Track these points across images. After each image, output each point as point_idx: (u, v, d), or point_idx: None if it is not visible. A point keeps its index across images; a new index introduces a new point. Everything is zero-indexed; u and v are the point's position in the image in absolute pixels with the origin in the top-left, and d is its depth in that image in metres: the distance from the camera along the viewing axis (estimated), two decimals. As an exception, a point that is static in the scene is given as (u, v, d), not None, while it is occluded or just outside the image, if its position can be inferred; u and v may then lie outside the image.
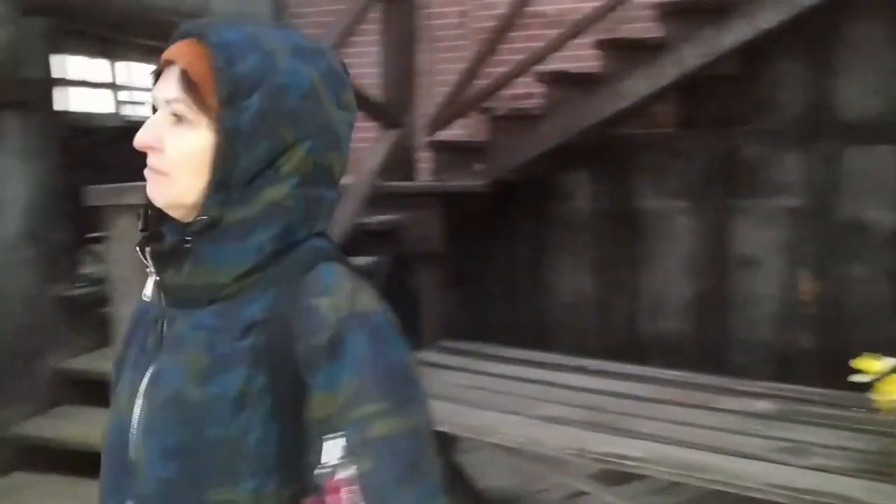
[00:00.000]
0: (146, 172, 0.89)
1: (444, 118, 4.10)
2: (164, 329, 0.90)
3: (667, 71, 3.53)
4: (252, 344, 0.84)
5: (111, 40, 3.78)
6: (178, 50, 0.88)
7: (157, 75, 0.89)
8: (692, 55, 3.48)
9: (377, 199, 3.71)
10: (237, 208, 0.85)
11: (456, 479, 3.15)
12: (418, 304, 3.89)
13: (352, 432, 0.81)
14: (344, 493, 0.80)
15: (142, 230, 0.92)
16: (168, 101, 0.86)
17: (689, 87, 3.84)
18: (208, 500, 0.82)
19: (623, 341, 4.19)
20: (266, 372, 0.83)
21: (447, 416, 2.54)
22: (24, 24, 3.13)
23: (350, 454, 0.81)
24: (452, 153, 4.06)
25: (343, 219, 3.43)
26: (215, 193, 0.85)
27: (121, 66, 3.97)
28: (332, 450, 0.81)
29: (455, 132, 4.22)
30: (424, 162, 4.25)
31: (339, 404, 0.82)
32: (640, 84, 3.59)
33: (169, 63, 0.88)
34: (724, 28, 3.39)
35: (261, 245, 0.86)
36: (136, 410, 0.89)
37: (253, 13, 4.83)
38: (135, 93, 4.14)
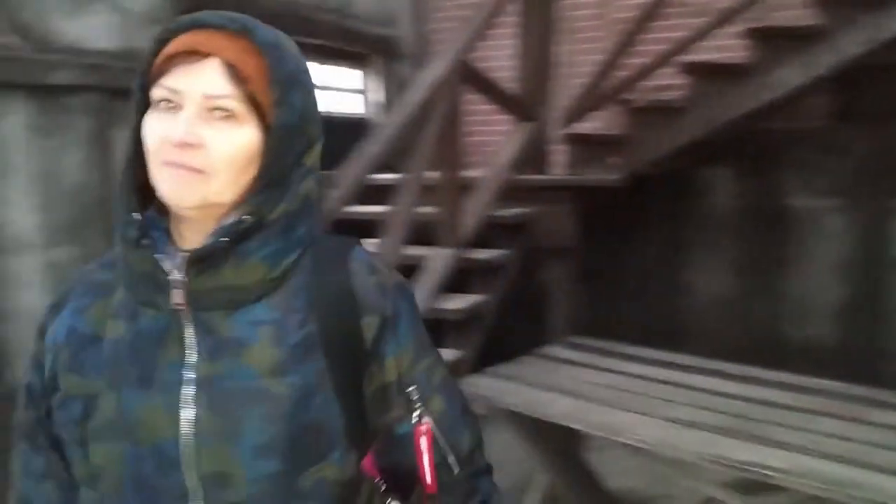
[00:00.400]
0: (171, 170, 0.83)
1: (579, 110, 4.04)
2: (194, 336, 0.87)
3: (821, 60, 3.32)
4: (311, 330, 0.89)
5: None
6: (218, 43, 0.84)
7: (165, 64, 0.84)
8: (851, 43, 3.25)
9: (509, 192, 3.71)
10: (280, 204, 0.87)
11: (584, 476, 3.11)
12: (547, 298, 3.87)
13: (420, 384, 0.97)
14: (428, 434, 0.95)
15: (141, 238, 0.87)
16: (212, 96, 0.83)
17: (845, 78, 3.59)
18: (304, 483, 0.87)
19: (763, 346, 3.98)
20: (324, 354, 0.89)
21: (575, 412, 2.51)
22: (185, 22, 3.34)
23: (421, 401, 0.96)
24: (587, 146, 4.00)
25: (474, 211, 3.46)
26: (262, 190, 0.86)
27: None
28: (409, 402, 0.96)
29: (590, 125, 4.14)
30: (558, 155, 4.20)
31: (406, 364, 0.96)
32: (791, 74, 3.39)
33: (200, 55, 0.83)
34: (887, 14, 3.14)
35: (301, 237, 0.91)
36: (184, 428, 0.85)
37: (394, 8, 4.94)
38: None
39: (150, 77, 0.86)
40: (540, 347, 3.24)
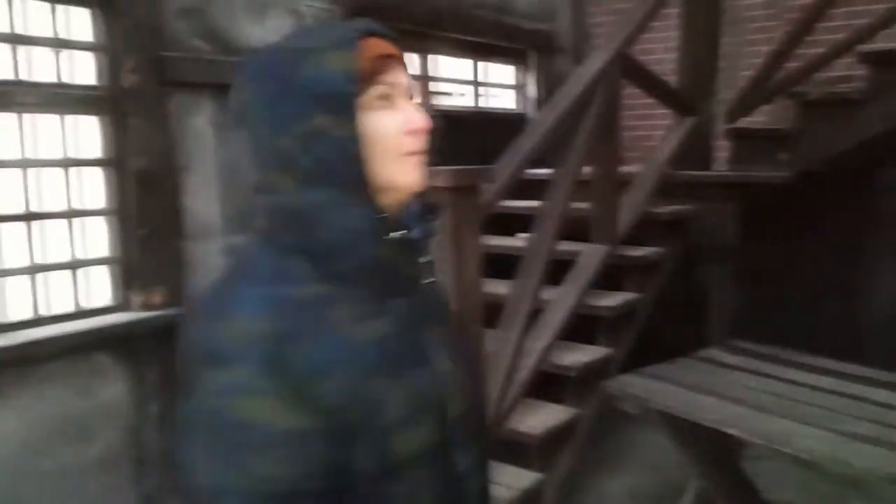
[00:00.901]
0: (415, 158, 0.91)
1: (746, 104, 3.84)
2: (419, 318, 0.94)
3: None
4: None
5: (421, 35, 4.09)
6: (393, 48, 0.92)
7: (372, 66, 0.88)
8: None
9: (668, 189, 3.60)
10: None
11: (740, 485, 2.97)
12: (704, 299, 3.73)
13: None
14: None
15: (387, 226, 0.89)
16: (411, 90, 0.92)
17: None
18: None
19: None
20: None
21: (734, 418, 2.40)
22: (353, 23, 3.51)
23: None
24: (753, 142, 3.80)
25: (630, 207, 3.40)
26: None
27: (431, 60, 4.28)
28: None
29: (756, 119, 3.94)
30: (721, 151, 4.03)
31: None
32: None
33: (395, 56, 0.91)
34: None
35: None
36: (456, 389, 0.96)
37: (553, 2, 4.93)
38: (442, 85, 4.46)
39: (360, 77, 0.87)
40: (697, 349, 3.13)
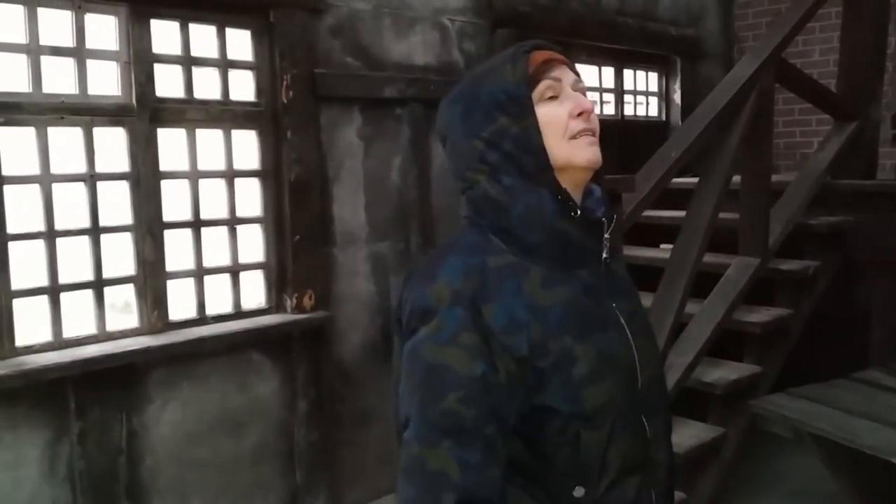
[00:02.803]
0: (587, 137, 1.07)
1: (915, 108, 3.56)
2: (603, 289, 1.10)
3: None
4: None
5: (563, 44, 4.07)
6: (555, 54, 1.11)
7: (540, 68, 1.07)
8: None
9: (826, 198, 3.40)
10: None
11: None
12: (867, 317, 3.47)
13: None
14: None
15: (568, 206, 1.06)
16: (577, 81, 1.10)
17: None
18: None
19: None
20: None
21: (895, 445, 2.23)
22: (494, 35, 3.56)
23: None
24: (924, 148, 3.51)
25: (782, 218, 3.23)
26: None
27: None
28: None
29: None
30: (887, 158, 3.75)
31: None
32: None
33: (557, 60, 1.09)
34: None
35: None
36: (637, 354, 1.10)
37: (699, 8, 4.77)
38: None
39: (528, 81, 1.06)
40: (855, 371, 2.92)
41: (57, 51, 2.43)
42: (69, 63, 2.46)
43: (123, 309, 2.73)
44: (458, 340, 0.97)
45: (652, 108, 4.75)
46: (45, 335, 2.45)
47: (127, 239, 2.62)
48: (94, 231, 2.52)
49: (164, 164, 2.66)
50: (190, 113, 2.72)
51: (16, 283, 2.36)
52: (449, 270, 1.02)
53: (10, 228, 2.33)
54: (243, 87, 2.88)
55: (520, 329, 0.99)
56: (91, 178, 2.51)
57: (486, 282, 1.01)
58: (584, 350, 1.02)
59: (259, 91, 2.88)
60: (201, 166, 2.78)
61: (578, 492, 1.03)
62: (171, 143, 2.69)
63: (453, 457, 0.95)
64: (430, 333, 0.99)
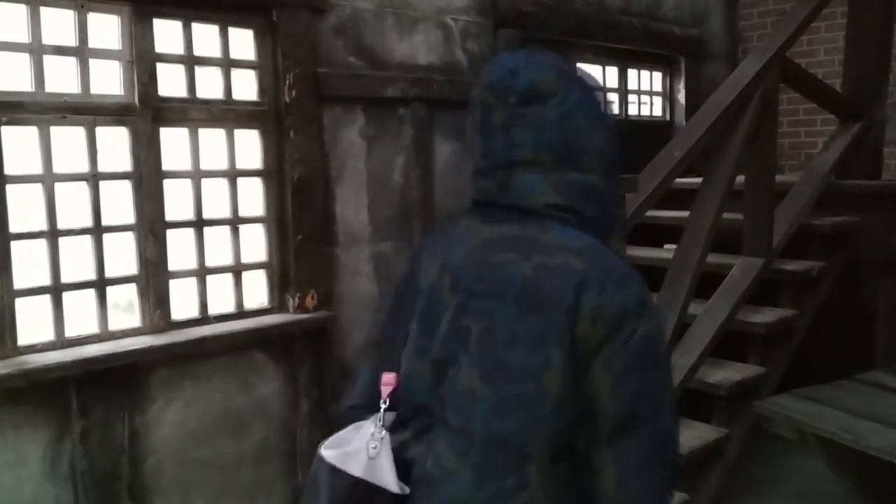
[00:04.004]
0: None
1: (921, 108, 3.55)
2: None
3: None
4: None
5: (567, 44, 4.07)
6: None
7: None
8: None
9: (830, 199, 3.38)
10: None
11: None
12: (872, 318, 3.45)
13: None
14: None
15: None
16: None
17: None
18: None
19: None
20: None
21: (904, 448, 2.22)
22: (498, 35, 3.55)
23: None
24: (930, 148, 3.50)
25: (786, 218, 3.22)
26: None
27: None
28: None
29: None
30: (892, 158, 3.73)
31: None
32: None
33: None
34: None
35: None
36: None
37: (703, 7, 4.76)
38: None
39: None
40: (860, 372, 2.91)
41: (59, 50, 2.43)
42: (72, 62, 2.46)
43: (126, 308, 2.73)
44: (662, 335, 1.23)
45: (656, 109, 4.74)
46: (48, 334, 2.45)
47: (129, 238, 2.62)
48: (97, 230, 2.52)
49: (167, 164, 2.66)
50: (192, 112, 2.72)
51: (18, 283, 2.36)
52: (635, 276, 1.16)
53: (13, 228, 2.33)
54: (246, 87, 2.87)
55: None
56: (93, 178, 2.51)
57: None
58: None
59: (262, 90, 2.88)
60: (204, 166, 2.77)
61: None
62: (173, 143, 2.68)
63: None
64: (658, 326, 1.16)
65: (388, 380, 1.23)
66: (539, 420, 1.07)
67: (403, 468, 1.15)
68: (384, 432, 1.18)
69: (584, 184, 1.16)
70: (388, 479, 1.13)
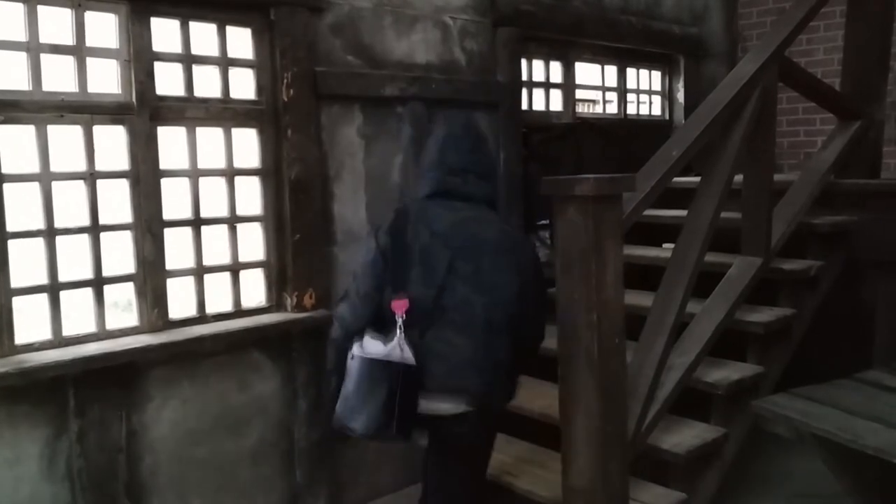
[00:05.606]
0: None
1: (920, 107, 3.54)
2: None
3: None
4: None
5: (566, 43, 4.06)
6: None
7: None
8: None
9: (829, 198, 3.38)
10: None
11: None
12: (871, 317, 3.45)
13: None
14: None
15: None
16: None
17: None
18: None
19: None
20: None
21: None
22: (496, 34, 3.55)
23: None
24: (929, 147, 3.49)
25: (785, 217, 3.21)
26: None
27: (577, 66, 4.24)
28: None
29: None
30: (891, 157, 3.73)
31: None
32: None
33: None
34: None
35: None
36: None
37: (702, 6, 4.76)
38: (587, 92, 4.41)
39: None
40: (858, 371, 2.90)
41: (57, 49, 2.43)
42: (69, 61, 2.46)
43: (123, 307, 2.73)
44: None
45: (655, 107, 4.73)
46: (45, 333, 2.45)
47: (127, 237, 2.62)
48: (94, 229, 2.52)
49: (165, 163, 2.66)
50: (190, 111, 2.71)
51: (16, 282, 2.36)
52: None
53: (10, 226, 2.33)
54: (244, 86, 2.87)
55: None
56: (91, 177, 2.51)
57: None
58: None
59: (259, 89, 2.88)
60: (201, 164, 2.77)
61: None
62: (171, 142, 2.68)
63: None
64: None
65: (400, 303, 2.05)
66: (507, 310, 2.12)
67: (414, 351, 2.03)
68: (402, 333, 2.03)
69: (491, 185, 2.33)
70: (410, 357, 2.02)
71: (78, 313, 2.56)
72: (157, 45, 2.62)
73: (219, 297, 2.86)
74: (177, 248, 2.73)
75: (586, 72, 4.33)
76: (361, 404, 2.05)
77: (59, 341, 2.46)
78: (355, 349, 2.08)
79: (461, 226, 2.15)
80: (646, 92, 4.67)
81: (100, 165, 2.52)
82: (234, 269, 2.88)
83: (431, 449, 2.26)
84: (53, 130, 2.42)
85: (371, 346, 2.05)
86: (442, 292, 2.07)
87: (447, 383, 2.07)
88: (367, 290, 2.14)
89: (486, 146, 2.37)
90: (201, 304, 2.79)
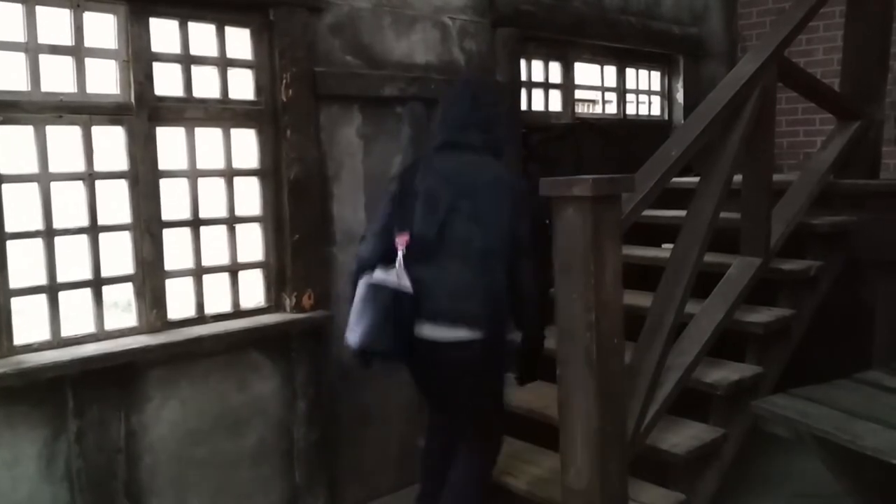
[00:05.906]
0: None
1: (919, 107, 3.54)
2: None
3: None
4: None
5: (565, 43, 4.06)
6: None
7: None
8: None
9: (829, 198, 3.37)
10: None
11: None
12: (870, 318, 3.45)
13: None
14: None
15: None
16: None
17: None
18: None
19: None
20: None
21: (899, 448, 2.21)
22: (495, 34, 3.55)
23: None
24: (928, 147, 3.49)
25: (784, 218, 3.21)
26: None
27: (577, 66, 4.24)
28: None
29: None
30: (890, 157, 3.73)
31: None
32: None
33: None
34: None
35: None
36: None
37: (702, 6, 4.75)
38: (586, 92, 4.40)
39: None
40: (857, 371, 2.90)
41: (55, 49, 2.43)
42: (68, 61, 2.46)
43: (122, 308, 2.73)
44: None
45: (654, 108, 4.73)
46: (44, 334, 2.45)
47: (125, 238, 2.62)
48: (93, 230, 2.52)
49: (163, 163, 2.66)
50: (189, 111, 2.71)
51: (14, 282, 2.36)
52: None
53: (9, 227, 2.33)
54: (243, 86, 2.87)
55: None
56: (89, 177, 2.51)
57: None
58: None
59: (258, 90, 2.88)
60: (200, 165, 2.77)
61: None
62: (169, 142, 2.68)
63: None
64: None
65: (402, 238, 2.32)
66: (503, 240, 2.29)
67: (413, 279, 2.27)
68: (401, 263, 2.29)
69: (493, 135, 2.49)
70: (406, 284, 2.26)
71: (77, 314, 2.56)
72: (156, 46, 2.62)
73: (218, 297, 2.86)
74: (176, 248, 2.73)
75: (585, 72, 4.33)
76: (357, 320, 2.30)
77: (57, 342, 2.46)
78: (364, 279, 2.33)
79: (462, 169, 2.38)
80: (645, 92, 4.67)
81: (98, 166, 2.52)
82: (233, 269, 2.88)
83: (433, 405, 2.60)
84: (52, 131, 2.42)
85: (376, 275, 2.32)
86: (443, 227, 2.30)
87: (446, 310, 2.28)
88: (378, 229, 2.42)
89: (487, 101, 2.53)
90: (200, 304, 2.79)
